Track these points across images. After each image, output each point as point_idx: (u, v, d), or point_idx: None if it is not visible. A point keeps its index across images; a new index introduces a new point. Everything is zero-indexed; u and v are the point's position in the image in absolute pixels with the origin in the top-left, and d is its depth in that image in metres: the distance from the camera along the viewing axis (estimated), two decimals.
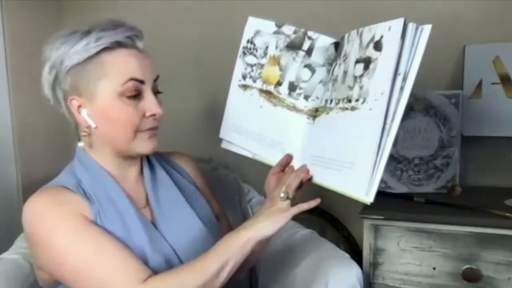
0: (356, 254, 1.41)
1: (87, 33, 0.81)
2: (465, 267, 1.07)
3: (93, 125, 0.84)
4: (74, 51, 0.81)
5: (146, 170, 0.93)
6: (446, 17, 1.37)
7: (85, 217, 0.81)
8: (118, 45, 0.82)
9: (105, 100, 0.82)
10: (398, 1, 1.41)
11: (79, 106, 0.84)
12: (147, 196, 0.91)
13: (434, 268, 1.10)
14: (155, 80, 0.87)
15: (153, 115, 0.85)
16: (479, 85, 1.35)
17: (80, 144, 0.88)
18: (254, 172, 0.98)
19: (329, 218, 1.54)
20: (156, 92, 0.88)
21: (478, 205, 1.11)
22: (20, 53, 1.56)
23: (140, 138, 0.85)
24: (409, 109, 1.29)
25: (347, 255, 1.12)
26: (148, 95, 0.85)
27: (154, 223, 0.88)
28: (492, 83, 1.34)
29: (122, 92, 0.82)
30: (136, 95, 0.83)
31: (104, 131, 0.85)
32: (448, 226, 1.07)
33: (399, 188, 1.30)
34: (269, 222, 0.80)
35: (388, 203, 1.18)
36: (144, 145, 0.86)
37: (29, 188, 1.52)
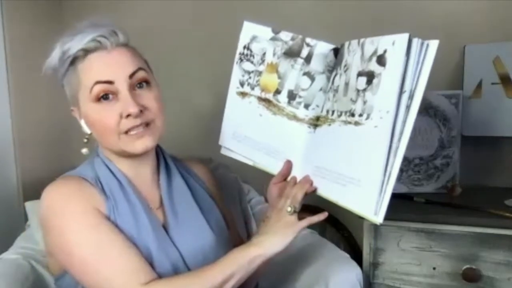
0: (356, 254, 1.41)
1: (61, 44, 0.83)
2: (465, 267, 1.07)
3: (88, 131, 0.87)
4: (57, 65, 0.85)
5: (163, 172, 0.93)
6: (446, 17, 1.37)
7: (100, 211, 0.83)
8: (86, 52, 0.82)
9: (85, 108, 0.84)
10: (398, 1, 1.42)
11: (80, 116, 0.87)
12: (161, 198, 0.91)
13: (434, 268, 1.10)
14: (133, 74, 0.82)
15: (129, 115, 0.81)
16: (479, 85, 1.35)
17: (84, 150, 0.89)
18: (254, 172, 0.98)
19: (329, 218, 1.53)
20: (142, 82, 0.84)
21: (478, 205, 1.11)
22: (20, 53, 1.56)
23: (126, 139, 0.82)
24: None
25: (347, 255, 1.12)
26: (122, 94, 0.81)
27: (165, 226, 0.88)
28: (492, 83, 1.34)
29: (93, 97, 0.82)
30: (108, 97, 0.81)
31: (96, 136, 0.87)
32: (448, 226, 1.07)
33: (399, 188, 1.30)
34: (278, 238, 0.80)
35: (388, 203, 1.18)
36: (133, 145, 0.83)
37: (29, 188, 1.53)
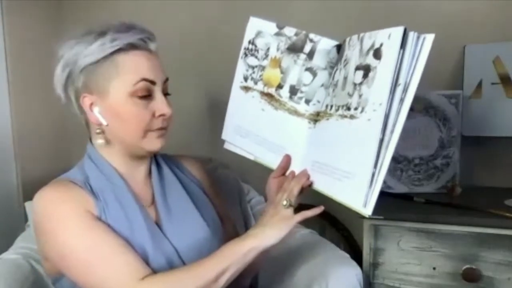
0: (356, 254, 1.41)
1: (102, 34, 0.84)
2: (465, 267, 1.07)
3: (104, 122, 0.87)
4: (89, 51, 0.84)
5: (154, 170, 0.95)
6: (446, 17, 1.37)
7: (90, 213, 0.83)
8: (131, 47, 0.85)
9: (116, 99, 0.85)
10: (398, 1, 1.42)
11: (91, 104, 0.87)
12: (153, 195, 0.92)
13: (434, 268, 1.10)
14: (165, 81, 0.89)
15: (163, 115, 0.86)
16: (479, 85, 1.35)
17: (100, 141, 0.89)
18: (254, 172, 0.98)
19: (329, 218, 1.54)
20: (165, 94, 0.89)
21: (478, 205, 1.11)
22: (20, 53, 1.56)
23: (150, 136, 0.87)
24: (409, 109, 1.29)
25: (347, 255, 1.12)
26: (158, 96, 0.87)
27: (158, 223, 0.89)
28: (492, 83, 1.34)
29: (134, 92, 0.84)
30: (147, 96, 0.85)
31: (115, 129, 0.87)
32: (448, 226, 1.07)
33: (399, 188, 1.30)
34: (273, 231, 0.81)
35: (388, 203, 1.18)
36: (153, 143, 0.87)
37: (29, 188, 1.53)
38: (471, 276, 1.06)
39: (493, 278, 1.05)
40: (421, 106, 1.29)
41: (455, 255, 1.08)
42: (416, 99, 1.28)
